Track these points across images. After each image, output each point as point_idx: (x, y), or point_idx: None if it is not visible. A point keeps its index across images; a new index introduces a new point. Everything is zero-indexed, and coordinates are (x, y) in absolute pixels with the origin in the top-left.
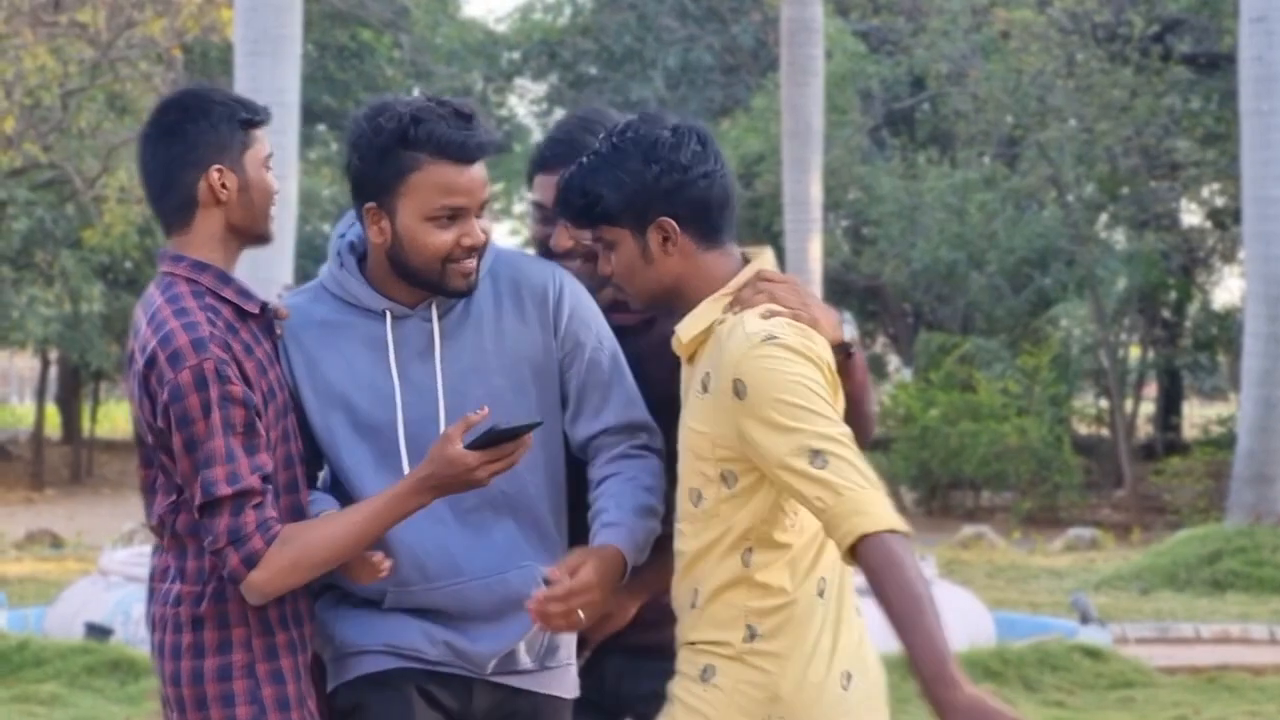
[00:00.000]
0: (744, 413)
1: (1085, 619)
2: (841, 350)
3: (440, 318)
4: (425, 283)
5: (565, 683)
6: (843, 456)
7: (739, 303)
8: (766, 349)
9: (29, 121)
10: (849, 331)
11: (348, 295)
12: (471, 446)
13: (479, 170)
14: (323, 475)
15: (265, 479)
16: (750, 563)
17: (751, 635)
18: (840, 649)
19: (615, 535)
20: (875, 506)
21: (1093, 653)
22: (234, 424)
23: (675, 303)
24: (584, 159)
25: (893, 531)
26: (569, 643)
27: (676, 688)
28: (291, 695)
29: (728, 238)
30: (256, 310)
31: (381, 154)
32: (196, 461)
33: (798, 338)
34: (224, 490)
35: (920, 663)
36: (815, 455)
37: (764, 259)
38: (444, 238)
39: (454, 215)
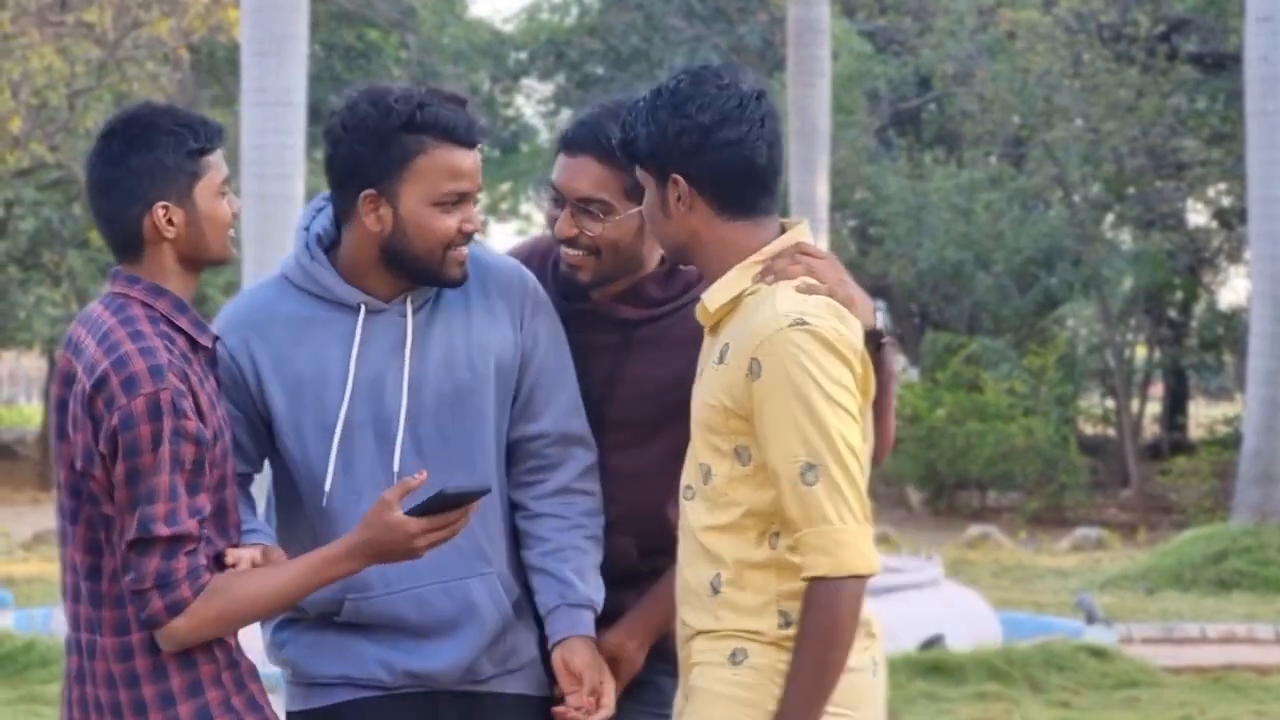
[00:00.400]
0: (755, 395)
1: (1091, 619)
2: (873, 339)
3: (414, 312)
4: (423, 272)
5: (531, 680)
6: (835, 479)
7: (771, 272)
8: (794, 334)
9: (36, 121)
10: (882, 319)
11: (319, 289)
12: (415, 512)
13: (478, 155)
14: (267, 490)
15: (202, 523)
16: (779, 545)
17: (786, 622)
18: (871, 635)
19: (587, 624)
20: (842, 549)
21: (1098, 653)
22: (182, 461)
23: (693, 262)
24: (644, 96)
25: (855, 577)
26: (529, 642)
27: (699, 679)
28: None
29: (759, 210)
30: (209, 344)
31: (385, 139)
32: (135, 495)
33: (832, 323)
34: (161, 530)
35: None
36: (809, 469)
37: (800, 231)
38: (449, 223)
39: (459, 200)
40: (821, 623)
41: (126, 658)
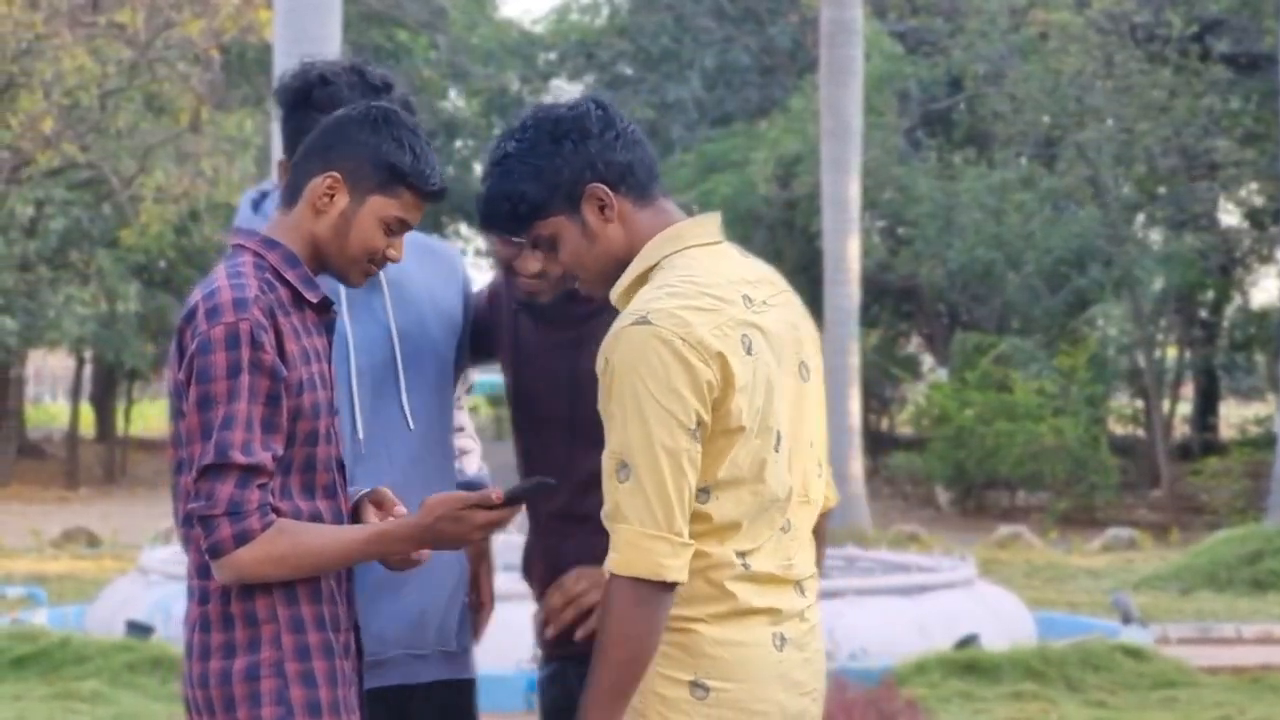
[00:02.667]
0: (603, 389)
1: (1127, 619)
2: None
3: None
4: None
5: (470, 665)
6: (640, 482)
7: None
8: (634, 332)
9: (67, 122)
10: None
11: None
12: (510, 494)
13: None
14: None
15: (275, 459)
16: None
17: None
18: (781, 611)
19: None
20: (630, 549)
21: (1135, 653)
22: (258, 393)
23: (623, 268)
24: (492, 169)
25: (639, 580)
26: (466, 623)
27: None
28: (324, 700)
29: (658, 192)
30: (315, 300)
31: None
32: (209, 421)
33: (676, 322)
34: (238, 458)
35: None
36: (622, 467)
37: (709, 223)
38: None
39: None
40: (604, 619)
41: (205, 601)
